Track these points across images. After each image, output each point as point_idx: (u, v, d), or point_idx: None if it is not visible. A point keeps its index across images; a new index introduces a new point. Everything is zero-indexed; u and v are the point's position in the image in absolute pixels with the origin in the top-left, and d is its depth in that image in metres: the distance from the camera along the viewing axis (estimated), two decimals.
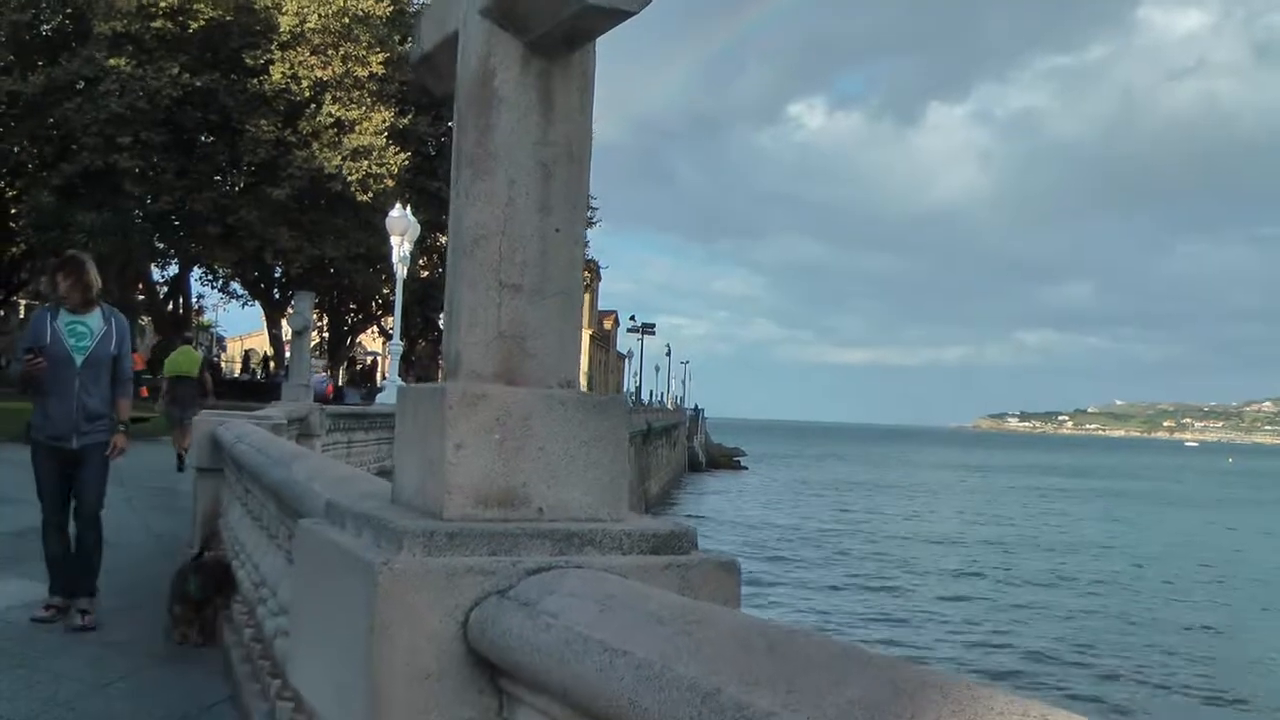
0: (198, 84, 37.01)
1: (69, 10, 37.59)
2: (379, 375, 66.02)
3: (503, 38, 2.74)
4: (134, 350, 8.36)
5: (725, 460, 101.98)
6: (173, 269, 47.26)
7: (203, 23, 37.23)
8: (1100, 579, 39.22)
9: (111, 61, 35.72)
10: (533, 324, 2.75)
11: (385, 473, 22.38)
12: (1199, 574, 42.30)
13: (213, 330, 73.51)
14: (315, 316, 33.26)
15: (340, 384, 48.65)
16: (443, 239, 52.04)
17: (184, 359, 23.51)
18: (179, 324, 46.06)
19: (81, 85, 36.78)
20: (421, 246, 35.64)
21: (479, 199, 2.73)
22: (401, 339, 33.23)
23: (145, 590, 8.46)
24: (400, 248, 29.14)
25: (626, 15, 2.54)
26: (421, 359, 56.57)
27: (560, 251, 2.78)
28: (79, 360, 7.58)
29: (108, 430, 7.81)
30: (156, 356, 51.56)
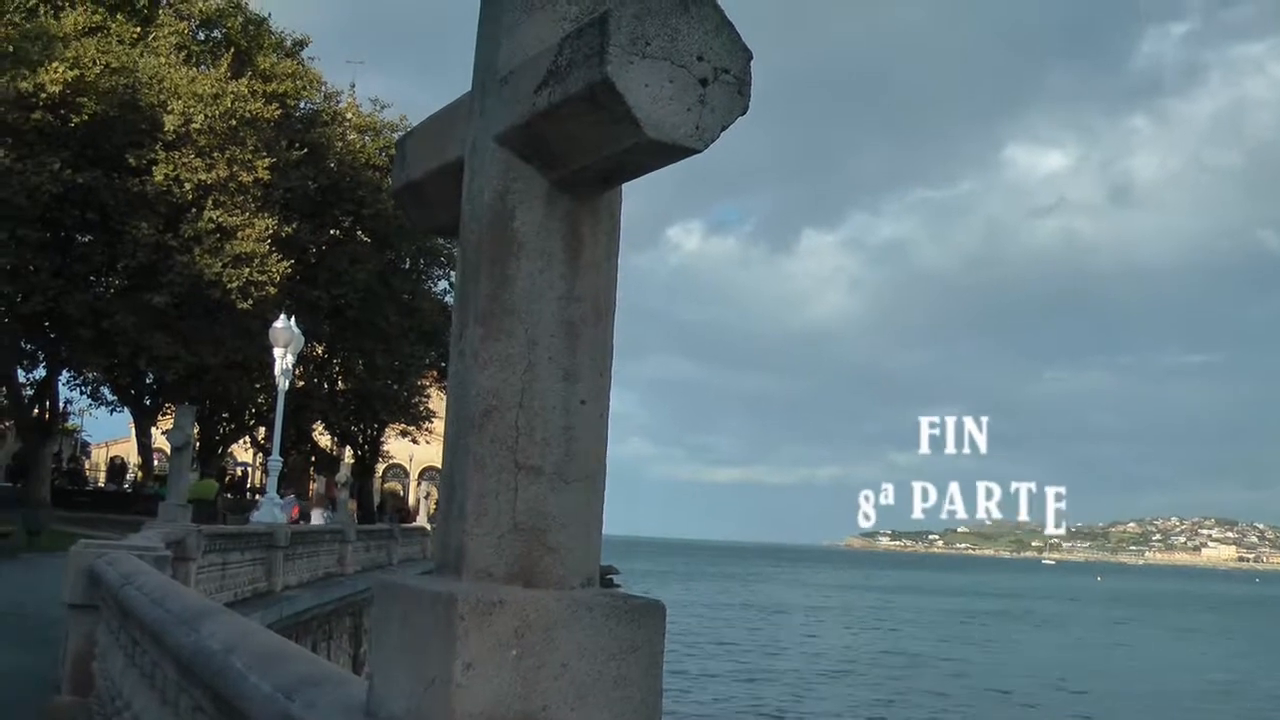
0: (79, 181, 35.54)
1: None
2: (248, 487, 64.19)
3: (524, 171, 2.33)
4: None
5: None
6: (40, 371, 45.26)
7: (86, 117, 35.81)
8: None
9: None
10: (555, 514, 2.30)
11: (260, 595, 21.44)
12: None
13: (77, 436, 70.73)
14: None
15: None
16: (319, 349, 50.77)
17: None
18: (44, 429, 44.06)
19: None
20: (298, 356, 34.52)
21: (492, 363, 2.29)
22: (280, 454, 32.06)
23: None
24: (283, 359, 28.31)
25: (689, 153, 2.13)
26: (293, 471, 54.95)
27: (586, 427, 2.35)
28: None
29: None
30: (18, 463, 49.30)
